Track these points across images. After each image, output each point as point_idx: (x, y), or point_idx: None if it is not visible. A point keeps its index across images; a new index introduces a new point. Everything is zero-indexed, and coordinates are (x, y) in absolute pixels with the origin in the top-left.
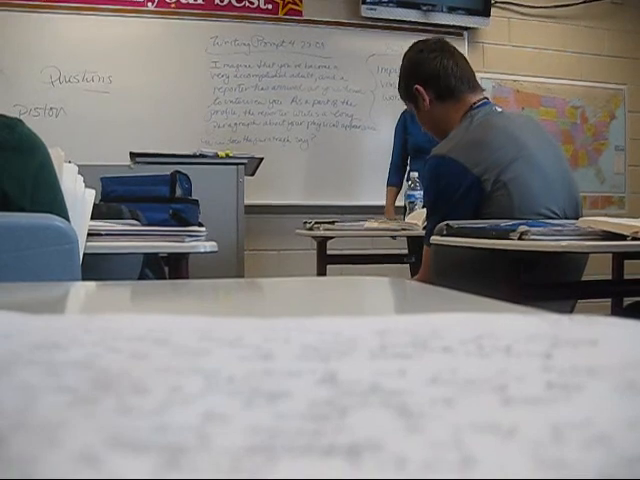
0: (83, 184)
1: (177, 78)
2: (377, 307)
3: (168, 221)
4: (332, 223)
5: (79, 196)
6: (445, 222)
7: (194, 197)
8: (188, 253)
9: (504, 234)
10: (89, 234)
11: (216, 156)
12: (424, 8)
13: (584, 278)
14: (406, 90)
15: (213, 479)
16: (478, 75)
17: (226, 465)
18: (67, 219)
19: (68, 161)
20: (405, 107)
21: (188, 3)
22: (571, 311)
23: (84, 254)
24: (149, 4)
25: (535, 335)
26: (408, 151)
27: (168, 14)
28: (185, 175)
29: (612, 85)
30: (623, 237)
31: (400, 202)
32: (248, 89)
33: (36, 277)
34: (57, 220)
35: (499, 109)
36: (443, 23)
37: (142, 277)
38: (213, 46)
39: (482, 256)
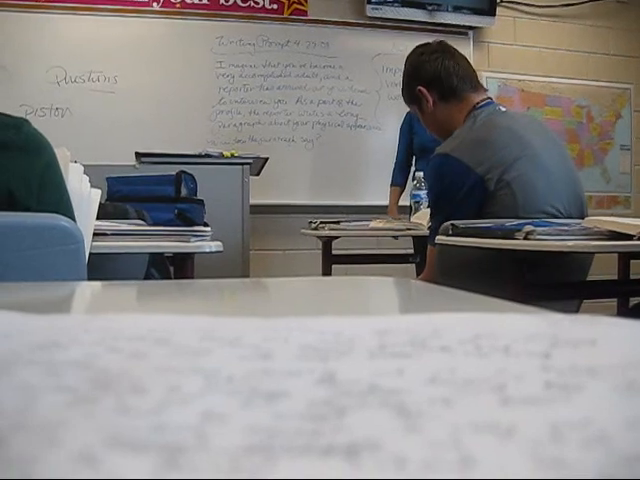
0: (89, 184)
1: (182, 78)
2: (381, 307)
3: (173, 221)
4: (337, 223)
5: (85, 196)
6: (450, 222)
7: (199, 197)
8: (193, 253)
9: (509, 234)
10: (95, 234)
11: (221, 156)
12: (429, 7)
13: (590, 278)
14: (409, 93)
15: (212, 479)
16: (483, 75)
17: (225, 465)
18: (73, 219)
19: (74, 161)
20: None
21: (193, 3)
22: (577, 311)
23: (90, 254)
24: (154, 4)
25: (534, 335)
26: (414, 151)
27: (173, 14)
28: (190, 175)
29: (618, 84)
30: (629, 237)
31: (405, 202)
32: (253, 89)
33: (42, 277)
34: (63, 220)
35: (503, 108)
36: (448, 22)
37: (148, 277)
38: (218, 46)
39: (487, 256)
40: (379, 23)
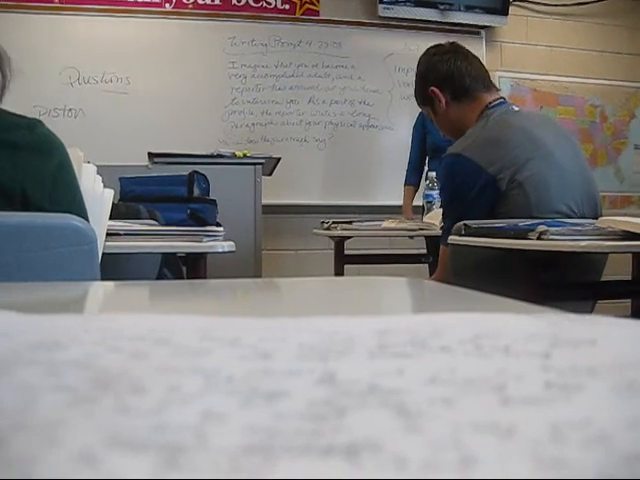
0: (102, 184)
1: (195, 78)
2: (393, 308)
3: (186, 221)
4: (350, 223)
5: (98, 196)
6: (463, 222)
7: (212, 197)
8: (206, 253)
9: (523, 234)
10: (108, 234)
11: (234, 156)
12: (441, 7)
13: (604, 278)
14: (422, 94)
15: (212, 479)
16: (495, 74)
17: (225, 465)
18: (86, 219)
19: (87, 161)
20: None
21: (205, 4)
22: (591, 311)
23: (103, 254)
24: (167, 5)
25: (534, 335)
26: (427, 150)
27: (185, 15)
28: (203, 175)
29: (632, 83)
30: None
31: (418, 202)
32: (265, 89)
33: (55, 277)
34: (76, 220)
35: (516, 108)
36: (460, 22)
37: (160, 277)
38: (230, 46)
39: (500, 256)
40: (391, 23)
